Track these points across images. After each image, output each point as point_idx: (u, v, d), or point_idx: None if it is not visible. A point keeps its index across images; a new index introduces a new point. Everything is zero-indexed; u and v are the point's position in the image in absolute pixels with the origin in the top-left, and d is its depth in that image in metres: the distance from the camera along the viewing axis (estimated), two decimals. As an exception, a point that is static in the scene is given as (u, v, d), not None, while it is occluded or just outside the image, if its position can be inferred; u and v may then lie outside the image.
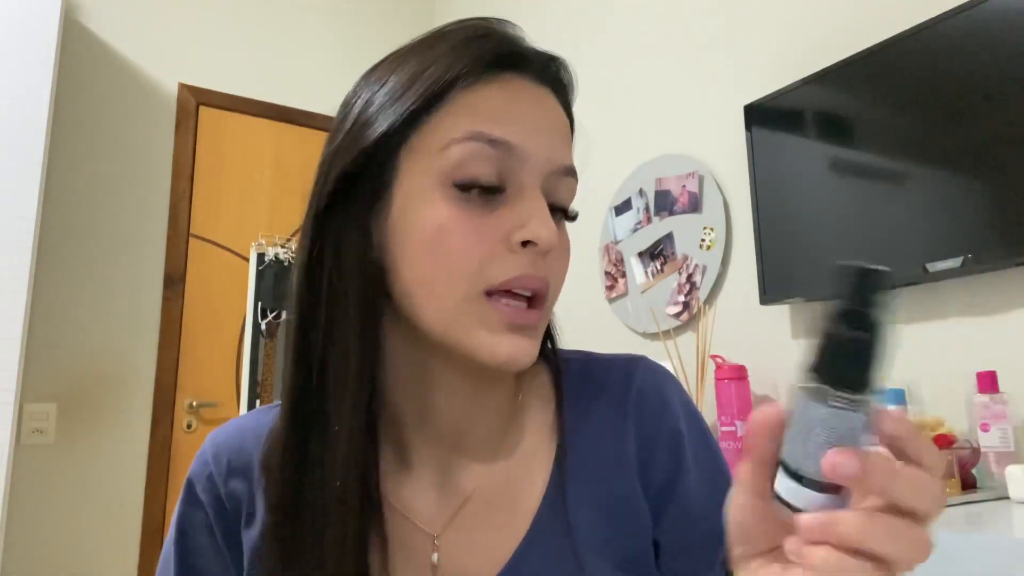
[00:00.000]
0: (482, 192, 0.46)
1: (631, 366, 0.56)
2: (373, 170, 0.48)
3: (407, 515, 0.51)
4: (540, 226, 0.46)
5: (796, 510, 0.28)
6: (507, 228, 0.46)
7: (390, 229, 0.48)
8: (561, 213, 0.51)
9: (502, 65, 0.48)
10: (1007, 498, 1.08)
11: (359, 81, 0.53)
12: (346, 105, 0.52)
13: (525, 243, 0.46)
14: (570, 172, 0.50)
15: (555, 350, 0.57)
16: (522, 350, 0.47)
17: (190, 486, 0.54)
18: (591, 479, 0.52)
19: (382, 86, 0.49)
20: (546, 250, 0.47)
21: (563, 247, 0.51)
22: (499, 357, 0.46)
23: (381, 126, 0.47)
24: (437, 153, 0.46)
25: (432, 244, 0.46)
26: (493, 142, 0.46)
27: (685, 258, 1.95)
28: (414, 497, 0.52)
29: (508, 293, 0.47)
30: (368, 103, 0.49)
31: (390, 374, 0.51)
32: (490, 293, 0.46)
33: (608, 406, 0.54)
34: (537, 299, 0.48)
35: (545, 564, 0.49)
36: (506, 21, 0.52)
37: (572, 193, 0.51)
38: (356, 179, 0.48)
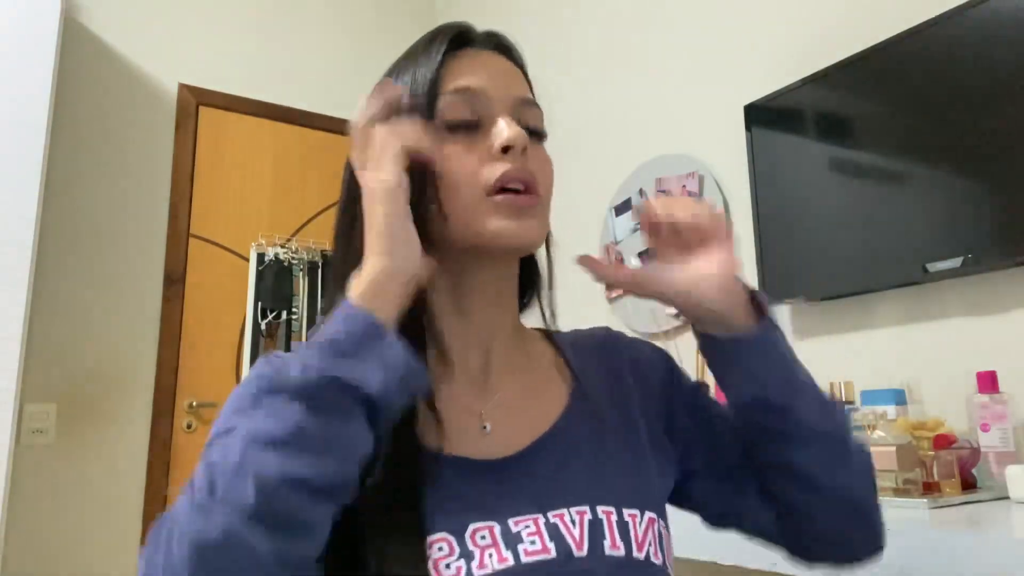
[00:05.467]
0: (466, 128, 0.60)
1: (600, 329, 0.75)
2: None
3: (453, 401, 0.61)
4: (508, 132, 0.59)
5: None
6: (488, 143, 0.60)
7: (414, 174, 0.59)
8: (535, 136, 0.64)
9: (458, 45, 0.63)
10: (1007, 498, 1.08)
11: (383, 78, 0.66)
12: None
13: (505, 149, 0.59)
14: (529, 102, 0.64)
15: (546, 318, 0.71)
16: (529, 228, 0.60)
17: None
18: (603, 401, 0.67)
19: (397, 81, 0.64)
20: (521, 147, 0.60)
21: (541, 156, 0.64)
22: (511, 238, 0.59)
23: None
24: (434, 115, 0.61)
25: (442, 172, 0.59)
26: (459, 91, 0.61)
27: (685, 258, 1.95)
28: (458, 395, 0.62)
29: (505, 189, 0.59)
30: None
31: (433, 290, 0.62)
32: (490, 193, 0.59)
33: (595, 355, 0.71)
34: (531, 187, 0.60)
35: (580, 432, 0.63)
36: (460, 23, 0.66)
37: (539, 119, 0.65)
38: None
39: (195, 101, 2.73)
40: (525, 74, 0.68)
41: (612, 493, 0.60)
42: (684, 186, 1.98)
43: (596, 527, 0.57)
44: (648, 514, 0.60)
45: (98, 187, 2.50)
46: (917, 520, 0.91)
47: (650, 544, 0.58)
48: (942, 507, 1.02)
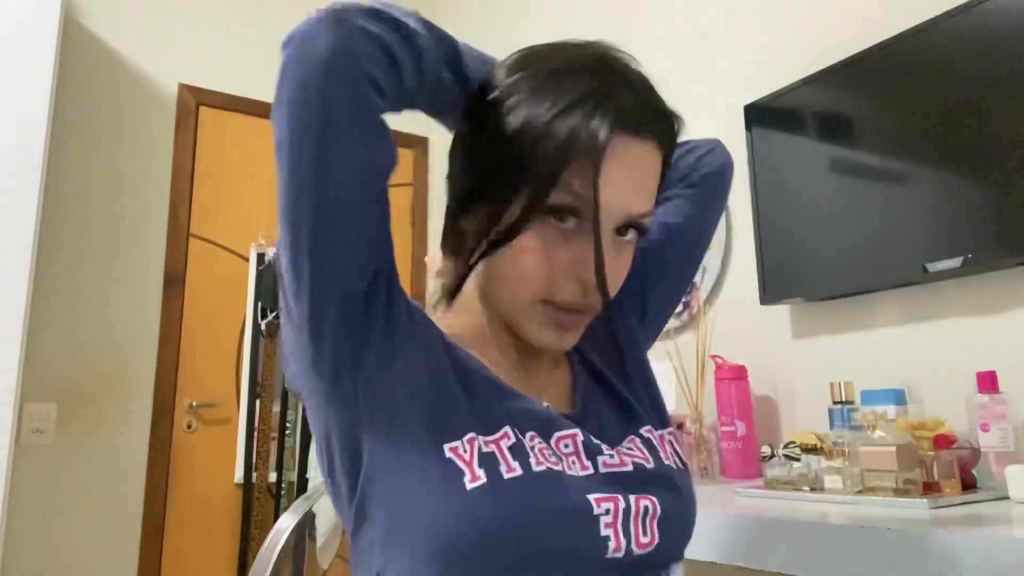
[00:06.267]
0: (562, 225, 0.59)
1: None
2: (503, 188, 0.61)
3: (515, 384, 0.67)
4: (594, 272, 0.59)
5: None
6: (571, 262, 0.60)
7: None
8: (635, 229, 0.63)
9: (615, 130, 0.58)
10: (1007, 498, 1.08)
11: (510, 68, 0.63)
12: (501, 90, 0.62)
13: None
14: (643, 215, 0.62)
15: None
16: (562, 341, 0.63)
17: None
18: (595, 362, 0.74)
19: (520, 103, 0.60)
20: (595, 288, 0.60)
21: (624, 258, 0.64)
22: (542, 344, 0.64)
23: (516, 175, 0.59)
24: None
25: (514, 256, 0.60)
26: (580, 196, 0.58)
27: (685, 258, 1.95)
28: (518, 382, 0.67)
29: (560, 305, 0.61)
30: (513, 130, 0.59)
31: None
32: (546, 302, 0.61)
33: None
34: (587, 311, 0.63)
35: (596, 394, 0.71)
36: (629, 68, 0.63)
37: (647, 220, 0.63)
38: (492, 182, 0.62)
39: (195, 101, 2.73)
40: (668, 155, 0.66)
41: (643, 421, 0.69)
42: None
43: (650, 444, 0.66)
44: (658, 432, 0.69)
45: (98, 187, 2.50)
46: (917, 520, 0.91)
47: (674, 454, 0.68)
48: (942, 507, 1.02)
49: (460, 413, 0.58)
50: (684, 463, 0.68)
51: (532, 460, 0.57)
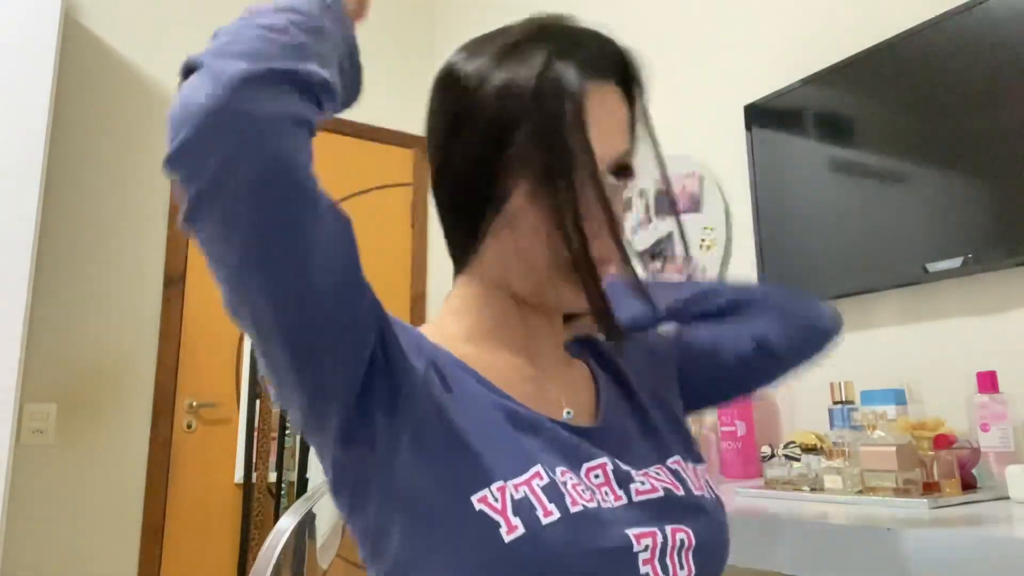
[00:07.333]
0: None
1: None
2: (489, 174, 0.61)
3: (537, 392, 0.65)
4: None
5: None
6: (584, 200, 0.58)
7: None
8: (626, 171, 0.63)
9: (584, 79, 0.59)
10: (1007, 498, 1.08)
11: (469, 55, 0.64)
12: (463, 81, 0.63)
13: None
14: (625, 154, 0.63)
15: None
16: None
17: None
18: (629, 387, 0.72)
19: (492, 81, 0.60)
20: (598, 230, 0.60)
21: (619, 200, 0.63)
22: (577, 307, 0.63)
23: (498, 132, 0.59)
24: (535, 152, 0.58)
25: (518, 230, 0.60)
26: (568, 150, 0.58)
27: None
28: (541, 390, 0.66)
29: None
30: (485, 97, 0.60)
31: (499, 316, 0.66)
32: (574, 266, 0.59)
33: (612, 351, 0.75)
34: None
35: (623, 415, 0.68)
36: (576, 24, 0.64)
37: (632, 158, 0.63)
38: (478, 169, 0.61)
39: (195, 101, 2.73)
40: (633, 104, 0.65)
41: (672, 450, 0.67)
42: (684, 186, 1.98)
43: (678, 475, 0.64)
44: (692, 465, 0.67)
45: (98, 187, 2.50)
46: (917, 520, 0.91)
47: (707, 486, 0.66)
48: (942, 507, 1.02)
49: (483, 459, 0.55)
50: (718, 496, 0.67)
51: (568, 500, 0.54)
